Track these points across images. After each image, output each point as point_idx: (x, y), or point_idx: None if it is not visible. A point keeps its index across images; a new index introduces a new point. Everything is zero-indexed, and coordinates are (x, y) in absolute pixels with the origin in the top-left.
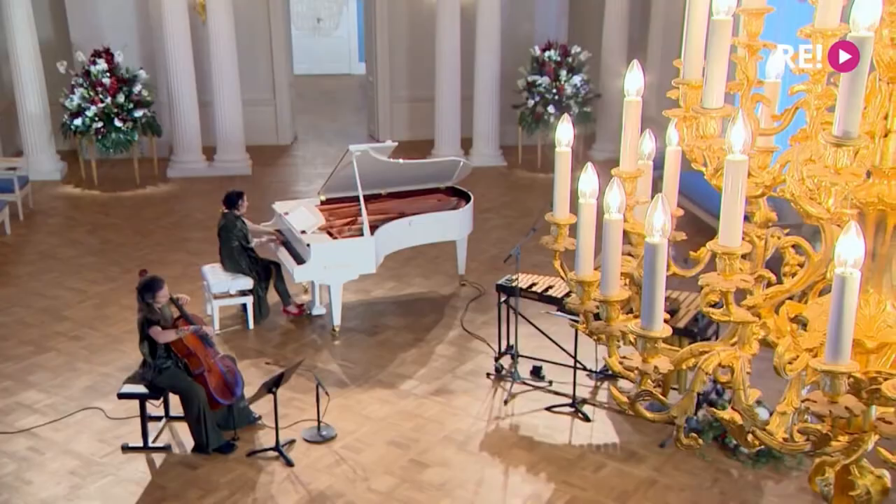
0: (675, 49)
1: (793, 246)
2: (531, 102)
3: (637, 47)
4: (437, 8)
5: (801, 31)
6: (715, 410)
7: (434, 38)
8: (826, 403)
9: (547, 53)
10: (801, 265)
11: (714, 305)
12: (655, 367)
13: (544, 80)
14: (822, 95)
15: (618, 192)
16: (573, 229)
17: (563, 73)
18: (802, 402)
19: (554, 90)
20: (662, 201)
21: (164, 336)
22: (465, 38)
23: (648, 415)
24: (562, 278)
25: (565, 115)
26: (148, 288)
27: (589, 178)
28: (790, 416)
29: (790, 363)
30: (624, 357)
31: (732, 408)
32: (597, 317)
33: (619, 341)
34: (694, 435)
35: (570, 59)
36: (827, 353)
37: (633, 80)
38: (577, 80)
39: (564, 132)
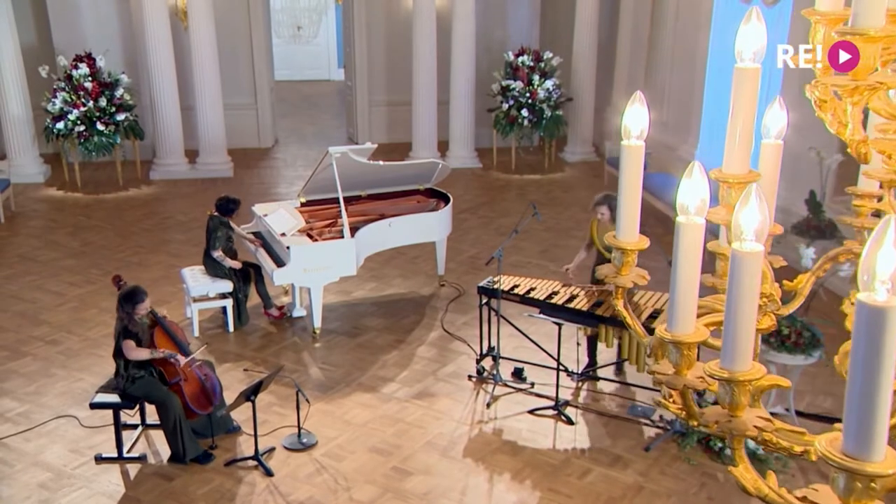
0: (643, 52)
1: None
2: (505, 106)
3: (606, 51)
4: (413, 15)
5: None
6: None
7: (411, 44)
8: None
9: (520, 59)
10: None
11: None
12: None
13: (518, 85)
14: None
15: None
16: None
17: (536, 77)
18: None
19: (527, 94)
20: (758, 194)
21: (137, 353)
22: (440, 44)
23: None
24: (630, 327)
25: (637, 94)
26: (128, 299)
27: (696, 183)
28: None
29: None
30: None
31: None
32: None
33: (696, 395)
34: None
35: (542, 65)
36: None
37: (636, 118)
38: (549, 84)
39: (636, 117)
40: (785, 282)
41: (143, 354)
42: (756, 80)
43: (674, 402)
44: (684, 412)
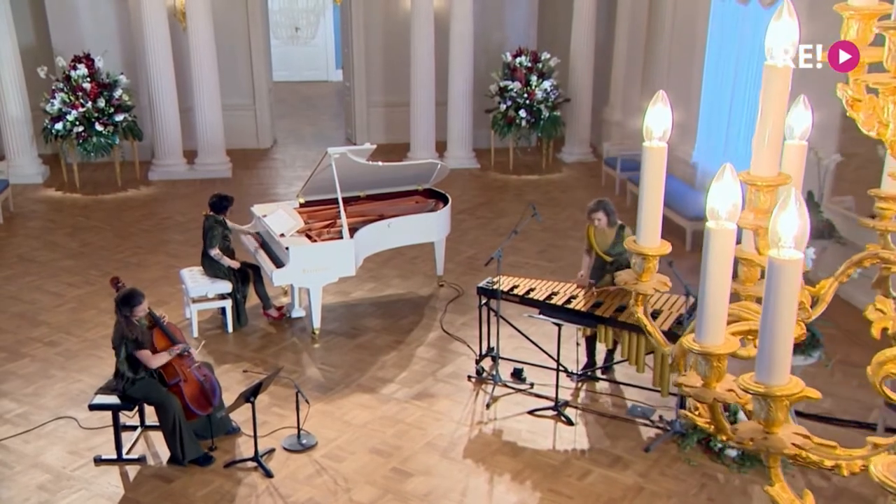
0: (640, 53)
1: None
2: (503, 107)
3: (603, 52)
4: (411, 16)
5: (838, 6)
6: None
7: (409, 45)
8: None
9: (518, 59)
10: None
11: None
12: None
13: (515, 85)
14: None
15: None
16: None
17: (534, 78)
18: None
19: (525, 95)
20: (797, 199)
21: (157, 360)
22: (438, 45)
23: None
24: (651, 336)
25: (660, 94)
26: (126, 302)
27: (728, 186)
28: None
29: None
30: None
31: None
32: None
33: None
34: None
35: (540, 65)
36: None
37: (659, 119)
38: (547, 84)
39: (659, 118)
40: (807, 287)
41: (162, 359)
42: (787, 79)
43: (699, 414)
44: (713, 426)
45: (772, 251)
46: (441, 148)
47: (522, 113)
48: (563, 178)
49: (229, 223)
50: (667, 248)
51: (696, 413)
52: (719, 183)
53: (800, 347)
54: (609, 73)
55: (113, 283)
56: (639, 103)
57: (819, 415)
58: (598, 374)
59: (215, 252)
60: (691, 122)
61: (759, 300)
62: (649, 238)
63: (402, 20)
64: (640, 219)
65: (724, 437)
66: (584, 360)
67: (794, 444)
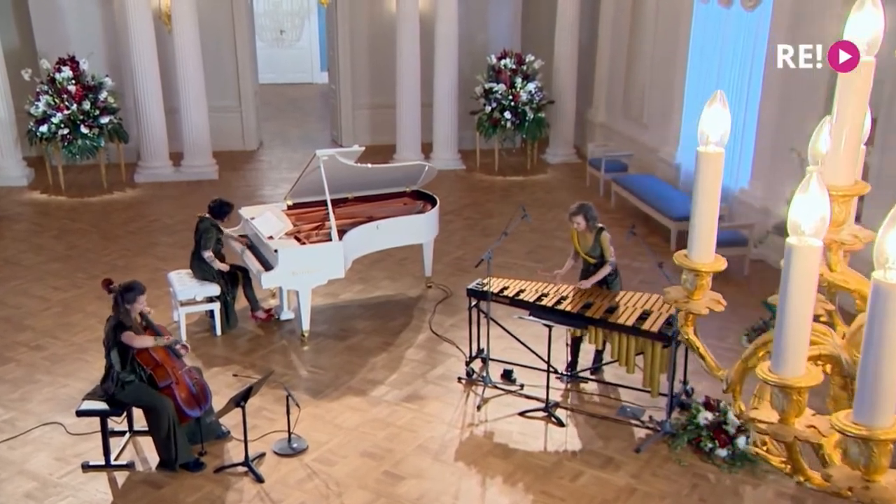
0: (623, 55)
1: None
2: (488, 108)
3: (587, 55)
4: (397, 18)
5: None
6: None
7: (394, 46)
8: None
9: (503, 61)
10: None
11: None
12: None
13: (500, 87)
14: None
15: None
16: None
17: (519, 80)
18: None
19: (510, 97)
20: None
21: (140, 341)
22: (423, 47)
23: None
24: (702, 358)
25: (718, 93)
26: (129, 289)
27: (814, 198)
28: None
29: None
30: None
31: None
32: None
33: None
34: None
35: (524, 67)
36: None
37: (716, 121)
38: (531, 86)
39: (716, 120)
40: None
41: (147, 342)
42: (869, 77)
43: (768, 450)
44: (790, 466)
45: (876, 273)
46: (427, 149)
47: (507, 114)
48: (547, 179)
49: (224, 230)
50: (722, 263)
51: (765, 449)
52: (804, 194)
53: None
54: (592, 76)
55: (105, 285)
56: (622, 106)
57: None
58: (588, 374)
59: (208, 254)
60: (674, 123)
61: (816, 319)
62: (703, 252)
63: (387, 22)
64: (692, 232)
65: (803, 479)
66: (568, 359)
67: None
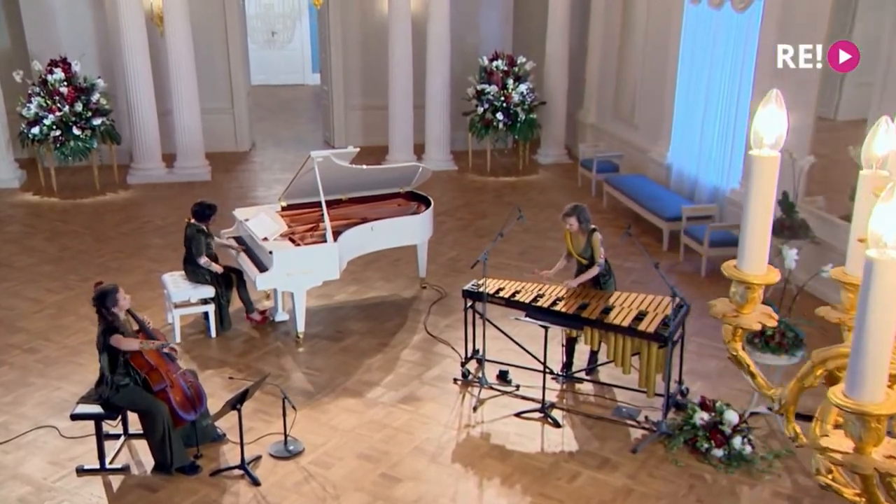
0: (614, 56)
1: None
2: (480, 109)
3: (578, 56)
4: (389, 19)
5: None
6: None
7: (386, 47)
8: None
9: (494, 63)
10: None
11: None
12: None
13: (492, 89)
14: None
15: None
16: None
17: (510, 81)
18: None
19: (502, 98)
20: None
21: (127, 343)
22: (415, 49)
23: None
24: (752, 376)
25: (774, 92)
26: (103, 297)
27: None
28: None
29: None
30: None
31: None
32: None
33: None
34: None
35: (516, 69)
36: None
37: (772, 122)
38: (523, 88)
39: (771, 121)
40: None
41: (133, 345)
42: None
43: (834, 479)
44: (865, 499)
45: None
46: (419, 150)
47: (499, 115)
48: (539, 180)
49: (215, 239)
50: (775, 276)
51: (830, 478)
52: (887, 203)
53: (784, 347)
54: (583, 77)
55: (96, 289)
56: (613, 107)
57: (803, 414)
58: (584, 375)
59: (204, 260)
60: (665, 124)
61: None
62: (755, 263)
63: (379, 23)
64: (743, 241)
65: None
66: (563, 360)
67: None
